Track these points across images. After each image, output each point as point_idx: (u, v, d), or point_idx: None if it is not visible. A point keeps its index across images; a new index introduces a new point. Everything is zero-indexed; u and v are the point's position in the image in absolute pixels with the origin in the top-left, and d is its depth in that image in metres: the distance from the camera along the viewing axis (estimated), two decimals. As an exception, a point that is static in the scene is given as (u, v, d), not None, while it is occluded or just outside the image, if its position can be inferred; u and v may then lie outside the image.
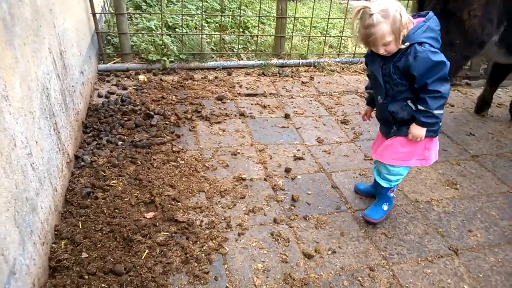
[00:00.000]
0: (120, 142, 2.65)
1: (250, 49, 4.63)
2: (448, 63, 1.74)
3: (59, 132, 2.17)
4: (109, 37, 4.26)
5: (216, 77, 3.95)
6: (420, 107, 1.84)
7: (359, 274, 1.91)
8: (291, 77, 4.16)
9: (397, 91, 1.87)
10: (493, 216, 2.37)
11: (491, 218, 2.35)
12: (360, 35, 1.77)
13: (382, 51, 1.76)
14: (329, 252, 2.02)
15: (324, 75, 4.30)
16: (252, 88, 3.78)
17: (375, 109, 2.13)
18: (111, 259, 1.79)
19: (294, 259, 1.95)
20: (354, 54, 4.73)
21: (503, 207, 2.46)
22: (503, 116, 3.66)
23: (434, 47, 1.75)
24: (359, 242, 2.10)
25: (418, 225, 2.25)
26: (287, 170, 2.60)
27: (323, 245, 2.05)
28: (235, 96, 3.58)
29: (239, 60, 4.37)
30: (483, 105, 3.64)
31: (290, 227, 2.15)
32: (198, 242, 1.97)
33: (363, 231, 2.17)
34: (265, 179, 2.50)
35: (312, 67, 4.47)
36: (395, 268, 1.96)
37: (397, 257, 2.03)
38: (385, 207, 2.21)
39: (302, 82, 4.05)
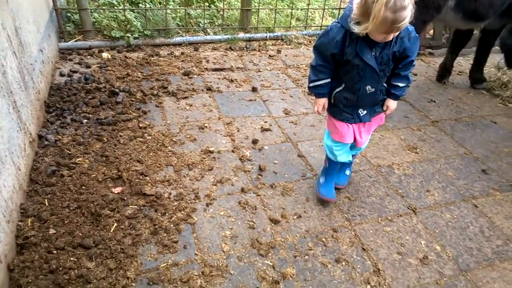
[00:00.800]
0: (85, 120, 2.61)
1: (216, 23, 4.58)
2: None
3: (19, 111, 2.12)
4: (69, 14, 4.11)
5: (182, 53, 3.90)
6: (400, 83, 1.88)
7: (323, 235, 2.01)
8: (259, 51, 4.16)
9: (386, 76, 1.85)
10: (450, 177, 2.51)
11: (448, 179, 2.49)
12: (384, 20, 1.48)
13: (391, 37, 1.63)
14: (295, 217, 2.10)
15: (292, 48, 4.32)
16: (219, 63, 3.77)
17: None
18: (80, 234, 1.81)
19: (261, 225, 2.03)
20: (321, 26, 4.75)
21: (460, 167, 2.60)
22: (463, 83, 3.81)
23: None
24: (323, 206, 2.19)
25: (380, 188, 2.37)
26: (254, 142, 2.64)
27: (289, 211, 2.13)
28: (202, 71, 3.56)
29: (206, 35, 4.32)
30: (444, 73, 3.77)
31: (257, 195, 2.21)
32: (166, 214, 2.00)
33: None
34: (232, 151, 2.55)
35: (279, 41, 4.48)
36: (357, 228, 2.07)
37: (359, 218, 2.13)
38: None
39: (270, 55, 4.06)
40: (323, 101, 1.95)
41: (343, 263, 1.88)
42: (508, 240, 2.09)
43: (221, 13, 4.63)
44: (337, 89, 1.90)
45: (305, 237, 1.99)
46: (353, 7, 1.61)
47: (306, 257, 1.89)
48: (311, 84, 1.90)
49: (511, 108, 3.42)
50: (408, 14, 1.50)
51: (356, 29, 1.60)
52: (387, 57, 1.73)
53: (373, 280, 1.81)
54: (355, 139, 2.04)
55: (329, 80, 1.88)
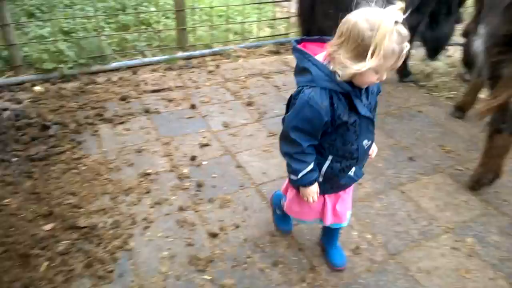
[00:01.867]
0: (15, 159, 2.53)
1: (154, 45, 4.58)
2: None
3: None
4: (-3, 51, 3.97)
5: (120, 78, 3.86)
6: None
7: (261, 241, 2.05)
8: (198, 67, 4.19)
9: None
10: (380, 167, 2.63)
11: (378, 169, 2.61)
12: (392, 53, 1.22)
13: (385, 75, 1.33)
14: (233, 228, 2.13)
15: (230, 62, 4.39)
16: (158, 84, 3.76)
17: (326, 169, 1.54)
18: (6, 280, 1.74)
19: (200, 241, 2.03)
20: (258, 37, 4.87)
21: (389, 158, 2.73)
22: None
23: None
24: (261, 213, 2.23)
25: (315, 187, 2.44)
26: (193, 158, 2.66)
27: (227, 223, 2.16)
28: (140, 94, 3.55)
29: (144, 57, 4.31)
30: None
31: (196, 212, 2.22)
32: (101, 244, 1.97)
33: (265, 202, 2.31)
34: (170, 171, 2.54)
35: (218, 56, 4.53)
36: (294, 230, 2.12)
37: (295, 221, 2.18)
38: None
39: (209, 71, 4.10)
40: (315, 188, 1.54)
41: (281, 266, 1.92)
42: (432, 220, 2.21)
43: (159, 34, 4.63)
44: (324, 166, 1.51)
45: (244, 246, 2.02)
46: (335, 57, 1.30)
47: (245, 265, 1.92)
48: (300, 175, 1.47)
49: (435, 97, 3.63)
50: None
51: (348, 70, 1.27)
52: (374, 100, 1.49)
53: (309, 277, 1.86)
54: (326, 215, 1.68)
55: (314, 165, 1.50)
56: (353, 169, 1.56)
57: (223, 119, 3.19)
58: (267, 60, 4.43)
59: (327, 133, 1.43)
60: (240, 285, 1.82)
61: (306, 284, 1.83)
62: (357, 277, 1.87)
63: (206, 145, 2.83)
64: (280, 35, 5.04)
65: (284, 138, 1.47)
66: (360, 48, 1.23)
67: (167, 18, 5.30)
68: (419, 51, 4.12)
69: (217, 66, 4.22)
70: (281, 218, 2.03)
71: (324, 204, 1.66)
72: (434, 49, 3.67)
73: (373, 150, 1.68)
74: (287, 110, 1.50)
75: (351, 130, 1.43)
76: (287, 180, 1.72)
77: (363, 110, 1.40)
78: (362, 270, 1.90)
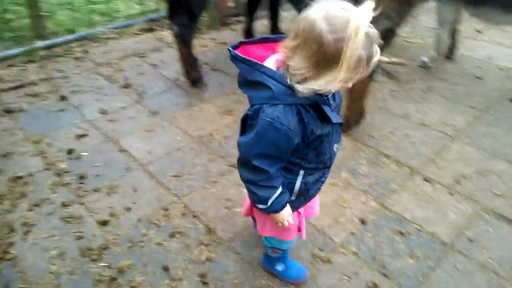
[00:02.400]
0: None
1: (6, 37, 4.09)
2: None
3: None
4: None
5: (-32, 80, 3.40)
6: None
7: (155, 217, 2.08)
8: (63, 56, 3.89)
9: None
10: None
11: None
12: (357, 62, 0.99)
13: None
14: (124, 211, 2.12)
15: (100, 45, 4.16)
16: (18, 80, 3.42)
17: (305, 181, 1.33)
18: None
19: (90, 232, 1.99)
20: (127, 16, 4.67)
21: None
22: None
23: None
24: (152, 191, 2.25)
25: (203, 156, 2.53)
26: (70, 152, 2.53)
27: (117, 208, 2.14)
28: (-3, 94, 3.19)
29: (-5, 52, 3.84)
30: (249, 37, 4.12)
31: (81, 204, 2.15)
32: (-25, 260, 1.81)
33: (154, 180, 2.33)
34: (46, 169, 2.39)
35: (85, 40, 4.24)
36: (186, 199, 2.20)
37: (187, 190, 2.27)
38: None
39: (76, 58, 3.85)
40: (288, 210, 1.34)
41: (177, 235, 1.99)
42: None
43: (10, 24, 4.15)
44: (296, 183, 1.31)
45: (138, 226, 2.04)
46: (290, 66, 1.07)
47: (141, 243, 1.94)
48: (270, 202, 1.26)
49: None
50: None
51: (308, 86, 1.06)
52: (339, 96, 1.32)
53: (205, 239, 1.97)
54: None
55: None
56: (326, 175, 1.39)
57: (99, 106, 3.06)
58: (140, 39, 4.30)
59: (297, 150, 1.20)
60: (138, 263, 1.85)
61: (204, 246, 1.93)
62: (251, 228, 2.03)
63: (84, 135, 2.71)
64: (151, 11, 4.90)
65: (245, 165, 1.21)
66: (319, 55, 0.99)
67: (17, 4, 4.76)
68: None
69: (85, 52, 3.97)
70: (289, 269, 1.76)
71: (300, 219, 1.47)
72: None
73: None
74: (242, 131, 1.24)
75: (325, 141, 1.23)
76: (247, 200, 1.52)
77: (335, 117, 1.19)
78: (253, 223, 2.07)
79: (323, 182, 1.40)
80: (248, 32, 4.10)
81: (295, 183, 1.30)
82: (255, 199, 1.28)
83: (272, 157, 1.17)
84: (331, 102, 1.20)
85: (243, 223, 2.05)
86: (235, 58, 1.14)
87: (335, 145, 1.32)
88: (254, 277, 1.80)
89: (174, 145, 2.62)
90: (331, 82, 1.03)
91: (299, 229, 1.50)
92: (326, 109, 1.15)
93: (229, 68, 3.63)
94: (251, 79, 1.11)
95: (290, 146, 1.16)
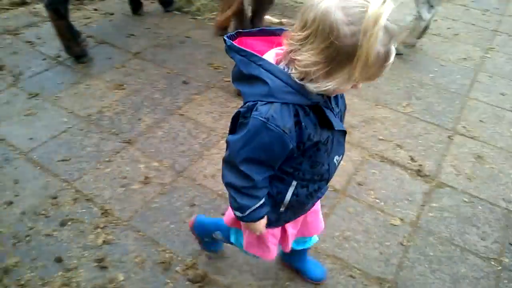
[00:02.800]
0: None
1: None
2: None
3: None
4: None
5: None
6: None
7: (42, 208, 1.93)
8: None
9: None
10: (157, 99, 2.73)
11: (155, 101, 2.70)
12: (376, 58, 0.86)
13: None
14: (5, 206, 1.92)
15: (-40, 23, 3.59)
16: None
17: (297, 193, 1.18)
18: None
19: (-37, 234, 1.77)
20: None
21: (164, 87, 2.85)
22: (157, 10, 4.02)
23: None
24: (37, 180, 2.07)
25: (93, 136, 2.38)
26: None
27: (-5, 203, 1.93)
28: None
29: None
30: (136, 5, 3.87)
31: (-51, 206, 1.90)
32: None
33: (38, 168, 2.14)
34: None
35: None
36: (77, 183, 2.06)
37: (77, 174, 2.12)
38: None
39: None
40: (264, 221, 1.22)
41: (69, 223, 1.87)
42: (211, 131, 2.48)
43: None
44: (287, 194, 1.16)
45: (23, 220, 1.87)
46: (297, 61, 0.92)
47: (27, 238, 1.79)
48: (248, 212, 1.14)
49: (200, 20, 3.86)
50: None
51: (320, 86, 0.93)
52: (343, 102, 1.18)
53: (101, 222, 1.88)
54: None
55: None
56: (322, 190, 1.23)
57: (-36, 93, 2.67)
58: (11, 14, 3.80)
59: (291, 158, 1.08)
60: (26, 258, 1.71)
61: (100, 229, 1.85)
62: (151, 203, 1.99)
63: None
64: (21, -18, 4.33)
65: (230, 167, 1.08)
66: (333, 50, 0.86)
67: None
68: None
69: None
70: (211, 243, 1.70)
71: (285, 233, 1.35)
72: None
73: None
74: (232, 129, 1.08)
75: (322, 149, 1.08)
76: (229, 209, 1.32)
77: (337, 123, 1.06)
78: (154, 196, 2.03)
79: (319, 197, 1.24)
80: (134, 0, 3.86)
81: (286, 194, 1.15)
82: (234, 205, 1.15)
83: (262, 163, 1.04)
84: (333, 106, 1.07)
85: (141, 200, 2.00)
86: (230, 48, 1.01)
87: (336, 157, 1.16)
88: (157, 252, 1.78)
89: (59, 128, 2.41)
90: (342, 82, 0.91)
91: (281, 244, 1.38)
92: (329, 113, 1.02)
93: (116, 39, 3.41)
94: (246, 72, 0.98)
95: (283, 152, 1.02)
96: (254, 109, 0.96)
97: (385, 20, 0.82)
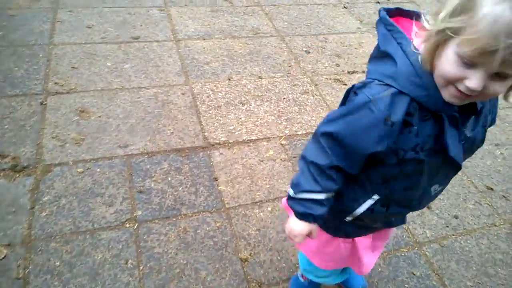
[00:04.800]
0: None
1: None
2: None
3: None
4: None
5: None
6: None
7: None
8: None
9: None
10: None
11: None
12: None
13: (482, 85, 0.70)
14: None
15: None
16: None
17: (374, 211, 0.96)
18: None
19: None
20: None
21: None
22: None
23: None
24: None
25: None
26: None
27: None
28: None
29: None
30: None
31: None
32: None
33: None
34: None
35: None
36: None
37: None
38: None
39: None
40: (311, 228, 0.98)
41: None
42: None
43: None
44: (362, 206, 0.96)
45: None
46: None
47: None
48: (300, 196, 0.94)
49: None
50: None
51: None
52: (482, 137, 0.92)
53: None
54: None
55: (332, 194, 0.95)
56: (401, 217, 1.07)
57: None
58: None
59: (385, 165, 0.87)
60: None
61: None
62: None
63: None
64: None
65: (313, 137, 0.93)
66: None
67: None
68: None
69: None
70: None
71: (354, 251, 1.15)
72: None
73: None
74: (342, 104, 0.92)
75: (425, 172, 0.88)
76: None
77: (455, 151, 0.84)
78: None
79: (395, 224, 1.09)
80: None
81: (361, 205, 0.98)
82: (293, 179, 0.97)
83: (344, 146, 0.87)
84: (465, 127, 0.84)
85: None
86: (382, 21, 0.85)
87: (435, 186, 0.95)
88: None
89: None
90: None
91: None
92: (450, 130, 0.81)
93: None
94: (383, 48, 0.84)
95: (373, 145, 0.83)
96: (369, 86, 0.83)
97: None
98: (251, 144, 2.12)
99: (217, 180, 1.90)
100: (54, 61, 2.44)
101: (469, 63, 0.68)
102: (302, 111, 2.37)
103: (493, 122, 0.94)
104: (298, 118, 2.31)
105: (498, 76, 0.68)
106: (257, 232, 1.72)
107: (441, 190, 0.99)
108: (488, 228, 1.88)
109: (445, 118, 0.80)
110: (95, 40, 2.68)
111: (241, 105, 2.36)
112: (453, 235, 1.82)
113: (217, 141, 2.10)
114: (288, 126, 2.26)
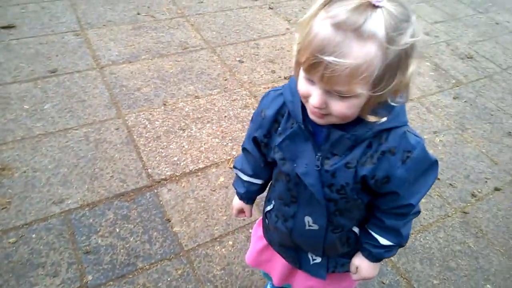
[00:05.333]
0: None
1: None
2: None
3: None
4: None
5: None
6: (379, 236, 0.93)
7: None
8: None
9: (346, 215, 0.93)
10: None
11: None
12: (309, 44, 0.68)
13: (319, 103, 0.73)
14: None
15: None
16: None
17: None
18: None
19: None
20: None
21: None
22: None
23: None
24: None
25: None
26: None
27: None
28: None
29: None
30: None
31: None
32: None
33: None
34: None
35: None
36: None
37: None
38: None
39: None
40: (238, 205, 1.15)
41: None
42: None
43: None
44: (267, 207, 1.09)
45: None
46: None
47: None
48: (235, 171, 1.13)
49: None
50: (364, 53, 0.65)
51: None
52: (346, 180, 0.83)
53: None
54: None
55: (250, 178, 1.08)
56: (311, 255, 1.04)
57: None
58: None
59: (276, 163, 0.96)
60: None
61: None
62: None
63: None
64: None
65: None
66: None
67: None
68: None
69: None
70: None
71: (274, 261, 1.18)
72: None
73: (356, 267, 1.01)
74: None
75: (283, 181, 0.95)
76: None
77: (301, 168, 0.86)
78: None
79: (287, 258, 1.11)
80: None
81: (265, 205, 1.10)
82: None
83: (250, 127, 1.01)
84: (320, 158, 0.84)
85: None
86: None
87: (308, 219, 0.94)
88: None
89: None
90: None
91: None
92: (297, 139, 0.85)
93: None
94: None
95: (253, 130, 0.97)
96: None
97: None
98: (199, 173, 2.01)
99: (170, 221, 1.78)
100: (-40, 113, 2.15)
101: (309, 79, 0.72)
102: (246, 127, 2.30)
103: (389, 190, 0.84)
104: (243, 136, 2.24)
105: (337, 94, 0.70)
106: (222, 271, 1.63)
107: (320, 232, 0.94)
108: (442, 221, 1.95)
109: (296, 127, 0.84)
110: (6, 80, 2.40)
111: (181, 131, 2.24)
112: (412, 234, 1.86)
113: (163, 177, 1.97)
114: (234, 147, 2.18)
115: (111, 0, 3.35)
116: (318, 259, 1.04)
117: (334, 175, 0.83)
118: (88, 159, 2.00)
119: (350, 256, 1.02)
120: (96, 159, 2.01)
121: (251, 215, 1.18)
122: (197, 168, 2.03)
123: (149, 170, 1.99)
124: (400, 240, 0.92)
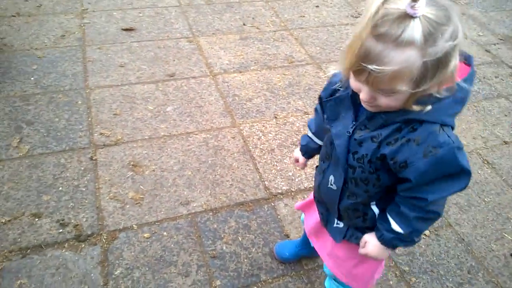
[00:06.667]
0: None
1: None
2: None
3: None
4: None
5: None
6: (392, 220, 1.00)
7: None
8: None
9: (365, 186, 1.00)
10: None
11: None
12: (355, 53, 0.78)
13: (368, 98, 0.85)
14: None
15: None
16: None
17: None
18: None
19: None
20: None
21: None
22: None
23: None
24: None
25: None
26: None
27: None
28: None
29: None
30: None
31: None
32: None
33: None
34: None
35: None
36: None
37: None
38: None
39: None
40: (297, 154, 1.36)
41: None
42: None
43: None
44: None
45: None
46: None
47: None
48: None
49: None
50: (403, 59, 0.74)
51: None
52: (366, 151, 0.94)
53: None
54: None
55: (312, 135, 1.27)
56: (336, 219, 1.17)
57: None
58: None
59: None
60: None
61: None
62: None
63: None
64: None
65: None
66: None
67: None
68: None
69: None
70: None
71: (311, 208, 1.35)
72: None
73: (364, 241, 1.10)
74: None
75: (325, 143, 1.11)
76: None
77: (336, 130, 1.00)
78: None
79: (322, 219, 1.23)
80: None
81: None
82: None
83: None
84: (354, 126, 0.96)
85: None
86: None
87: (331, 178, 1.08)
88: None
89: None
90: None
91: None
92: (340, 107, 1.00)
93: None
94: None
95: (322, 91, 1.12)
96: None
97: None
98: (313, 191, 2.05)
99: (288, 237, 1.83)
100: (95, 108, 2.35)
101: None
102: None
103: (404, 176, 0.91)
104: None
105: (383, 91, 0.80)
106: (341, 295, 1.65)
107: (336, 193, 1.06)
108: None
109: (345, 93, 0.97)
110: (131, 81, 2.59)
111: (294, 146, 2.29)
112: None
113: (279, 191, 2.03)
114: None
115: (218, 9, 3.50)
116: (341, 225, 1.16)
117: (361, 144, 0.94)
118: (209, 164, 2.11)
119: (366, 233, 1.11)
120: (216, 165, 2.11)
121: (304, 167, 1.37)
122: (311, 186, 2.07)
123: (265, 183, 2.06)
124: (410, 231, 0.97)
